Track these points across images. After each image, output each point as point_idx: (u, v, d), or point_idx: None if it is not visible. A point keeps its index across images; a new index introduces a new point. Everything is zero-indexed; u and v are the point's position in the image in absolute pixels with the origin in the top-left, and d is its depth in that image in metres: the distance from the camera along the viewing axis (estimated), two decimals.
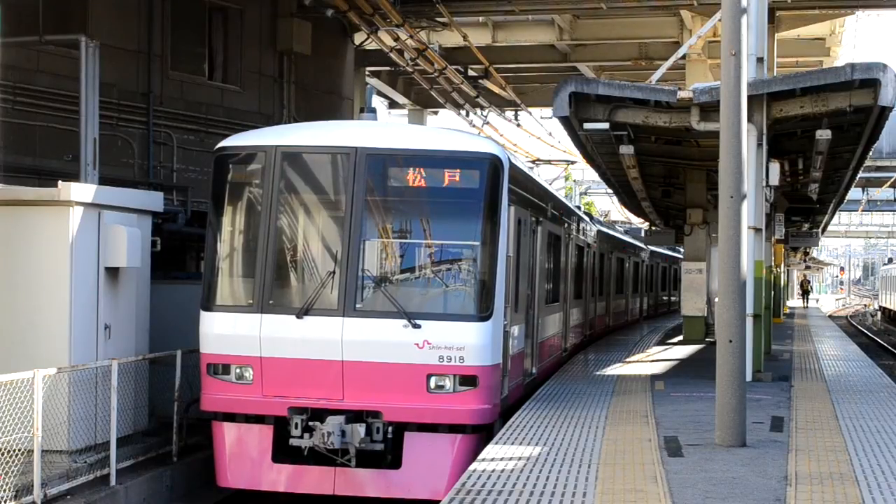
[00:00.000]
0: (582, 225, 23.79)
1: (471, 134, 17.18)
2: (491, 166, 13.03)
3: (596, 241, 26.56)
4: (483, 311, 12.75)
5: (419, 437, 12.63)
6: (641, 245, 38.62)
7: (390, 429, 12.57)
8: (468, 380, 12.60)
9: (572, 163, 30.60)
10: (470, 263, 13.01)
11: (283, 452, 12.85)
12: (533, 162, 28.86)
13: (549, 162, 29.10)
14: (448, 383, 12.59)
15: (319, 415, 12.50)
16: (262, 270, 12.97)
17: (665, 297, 49.10)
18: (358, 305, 12.71)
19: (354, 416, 12.51)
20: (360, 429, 12.37)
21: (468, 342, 12.58)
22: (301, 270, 13.36)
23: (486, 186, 13.00)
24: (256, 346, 12.80)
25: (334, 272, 12.79)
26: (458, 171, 13.01)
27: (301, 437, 12.52)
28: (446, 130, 14.30)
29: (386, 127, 14.47)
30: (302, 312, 12.72)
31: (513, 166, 13.91)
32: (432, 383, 12.58)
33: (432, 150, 13.12)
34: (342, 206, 12.99)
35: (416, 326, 12.52)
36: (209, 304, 13.13)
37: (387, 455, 12.71)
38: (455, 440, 12.63)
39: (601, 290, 28.29)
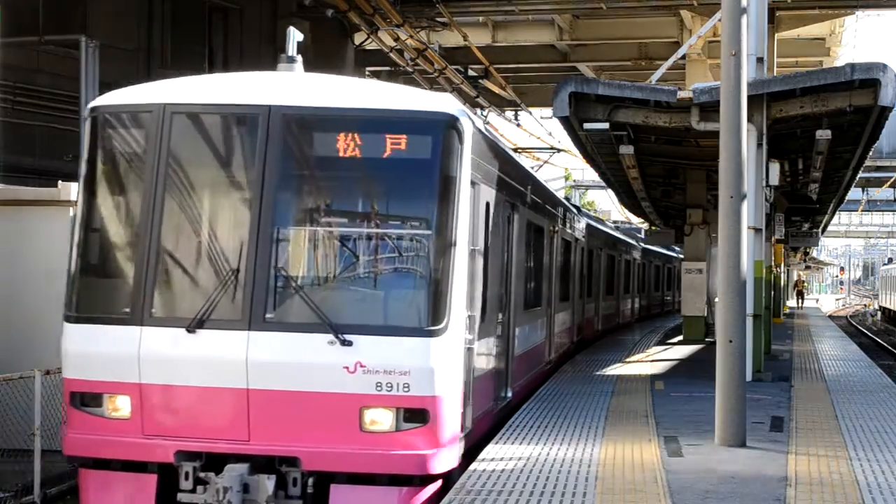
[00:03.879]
0: (569, 217, 20.92)
1: (423, 91, 13.19)
2: (447, 130, 9.92)
3: (585, 235, 24.04)
4: (435, 323, 9.63)
5: (350, 491, 9.57)
6: (633, 242, 37.85)
7: (311, 480, 9.55)
8: (416, 414, 9.55)
9: (558, 151, 29.79)
10: (418, 259, 9.97)
11: None
12: (516, 150, 28.06)
13: (529, 149, 28.46)
14: (388, 419, 9.56)
15: (217, 462, 9.52)
16: (142, 269, 9.85)
17: (658, 298, 48.75)
18: (268, 315, 9.63)
19: (263, 464, 9.56)
20: (269, 482, 9.41)
21: (415, 364, 9.51)
22: (194, 269, 10.11)
23: (439, 157, 9.91)
24: (134, 370, 9.68)
25: (238, 271, 9.71)
26: (404, 136, 9.88)
27: (193, 490, 9.54)
28: (390, 86, 10.99)
29: (310, 80, 10.56)
30: (194, 325, 9.61)
31: (479, 133, 10.84)
32: (367, 419, 9.54)
33: (370, 108, 9.99)
34: (250, 183, 9.90)
35: (346, 343, 9.48)
36: (72, 314, 10.00)
37: None
38: (399, 494, 9.61)
39: (590, 291, 25.76)
